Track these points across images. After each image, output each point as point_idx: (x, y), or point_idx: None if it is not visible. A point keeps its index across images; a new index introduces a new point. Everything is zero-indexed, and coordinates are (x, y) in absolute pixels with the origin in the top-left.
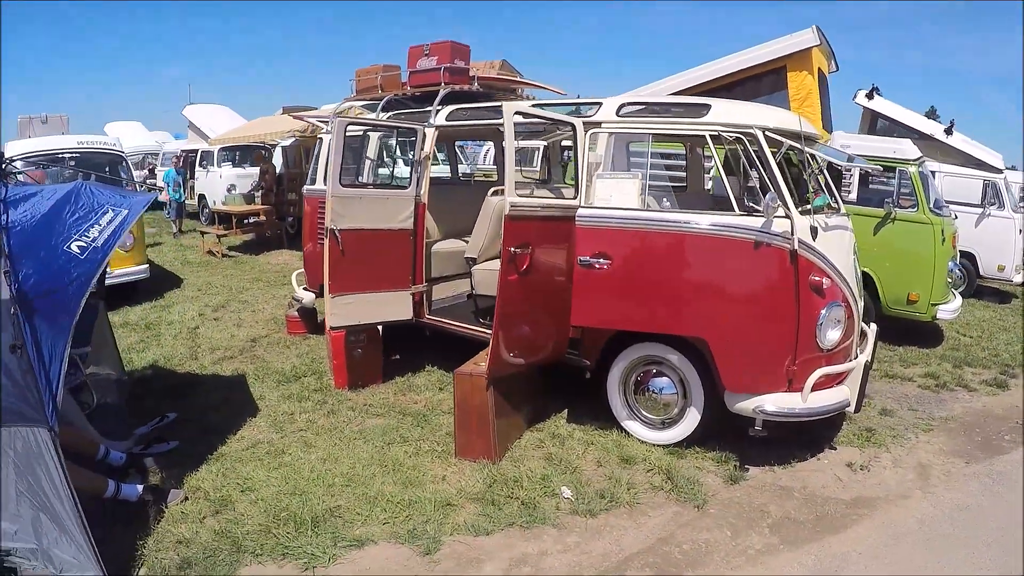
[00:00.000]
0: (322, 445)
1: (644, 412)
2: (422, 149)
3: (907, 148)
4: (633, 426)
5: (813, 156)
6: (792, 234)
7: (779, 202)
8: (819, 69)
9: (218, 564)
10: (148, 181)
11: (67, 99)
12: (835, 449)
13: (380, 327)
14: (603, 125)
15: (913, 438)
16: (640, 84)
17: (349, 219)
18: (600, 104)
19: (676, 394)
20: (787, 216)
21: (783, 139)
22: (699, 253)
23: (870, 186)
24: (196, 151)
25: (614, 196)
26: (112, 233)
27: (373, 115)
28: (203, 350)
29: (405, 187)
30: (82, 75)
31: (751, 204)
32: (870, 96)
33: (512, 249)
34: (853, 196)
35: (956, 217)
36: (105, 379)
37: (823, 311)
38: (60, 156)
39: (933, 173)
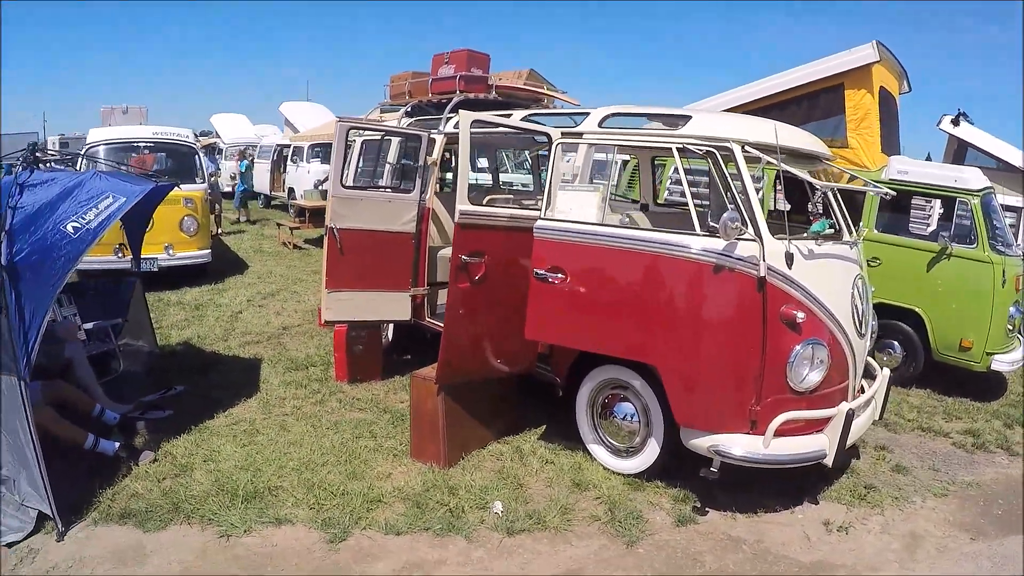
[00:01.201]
0: (296, 430)
1: (608, 437)
2: (429, 155)
3: (970, 177)
4: (597, 450)
5: (809, 181)
6: (760, 259)
7: (739, 223)
8: (882, 88)
9: (152, 519)
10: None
11: (201, 89)
12: (816, 504)
13: (389, 326)
14: (584, 136)
15: (919, 502)
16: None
17: (349, 219)
18: (589, 114)
19: (639, 422)
20: (756, 239)
21: (763, 154)
22: (653, 273)
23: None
24: (289, 146)
25: (574, 209)
26: (107, 217)
27: (387, 120)
28: (236, 333)
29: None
30: (218, 69)
31: (713, 224)
32: (956, 122)
33: (463, 257)
34: (931, 229)
35: None
36: (138, 350)
37: (797, 348)
38: (136, 144)
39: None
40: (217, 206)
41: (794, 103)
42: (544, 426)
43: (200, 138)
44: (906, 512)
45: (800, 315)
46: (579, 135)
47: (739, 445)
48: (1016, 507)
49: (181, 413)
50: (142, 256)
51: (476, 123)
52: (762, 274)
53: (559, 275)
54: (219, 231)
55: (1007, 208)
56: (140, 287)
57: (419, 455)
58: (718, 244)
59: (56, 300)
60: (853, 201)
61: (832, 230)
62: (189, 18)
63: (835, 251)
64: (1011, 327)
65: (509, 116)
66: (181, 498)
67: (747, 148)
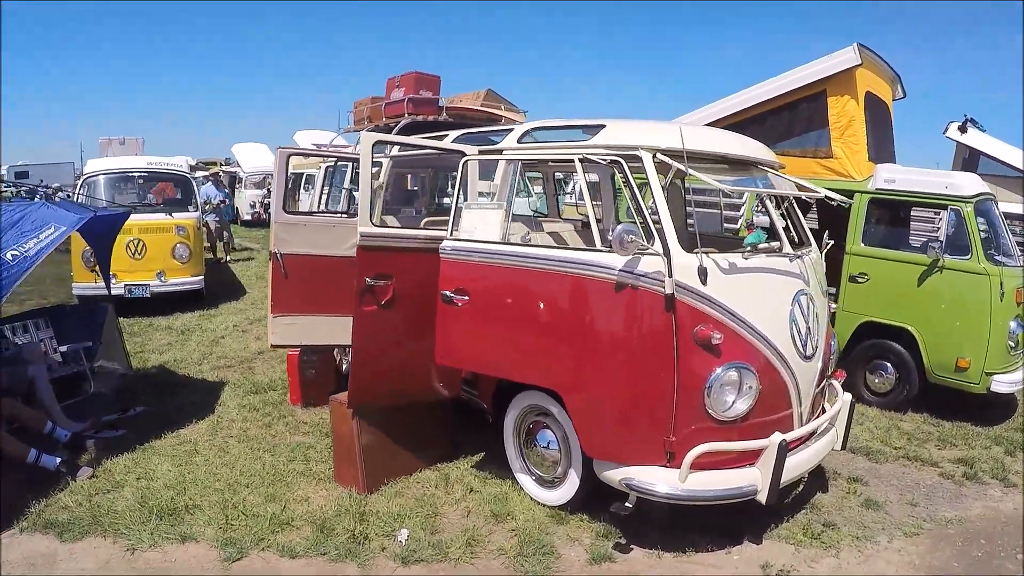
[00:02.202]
0: (234, 452)
1: (533, 467)
2: (374, 179)
3: (963, 183)
4: (524, 480)
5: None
6: (666, 275)
7: (635, 236)
8: (869, 93)
9: (71, 530)
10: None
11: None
12: (759, 543)
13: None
14: (504, 152)
15: (884, 542)
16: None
17: (292, 244)
18: (511, 130)
19: (559, 451)
20: (662, 253)
21: (674, 162)
22: (553, 293)
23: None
24: (302, 174)
25: (478, 228)
26: (46, 245)
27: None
28: (212, 357)
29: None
30: (261, 99)
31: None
32: (963, 129)
33: (368, 280)
34: (925, 241)
35: None
36: (112, 371)
37: (716, 372)
38: (130, 175)
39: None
40: (225, 233)
41: (775, 114)
42: (483, 454)
43: (224, 166)
44: (865, 554)
45: (717, 335)
46: (497, 152)
47: (653, 479)
48: (1000, 548)
49: (135, 432)
50: (134, 283)
51: (378, 144)
52: (668, 291)
53: (464, 297)
54: (227, 258)
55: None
56: (112, 312)
57: (340, 480)
58: (619, 260)
59: (34, 323)
60: (833, 211)
61: (772, 242)
62: (211, 46)
63: (769, 265)
64: (1013, 344)
65: (443, 137)
66: (103, 512)
67: (659, 156)
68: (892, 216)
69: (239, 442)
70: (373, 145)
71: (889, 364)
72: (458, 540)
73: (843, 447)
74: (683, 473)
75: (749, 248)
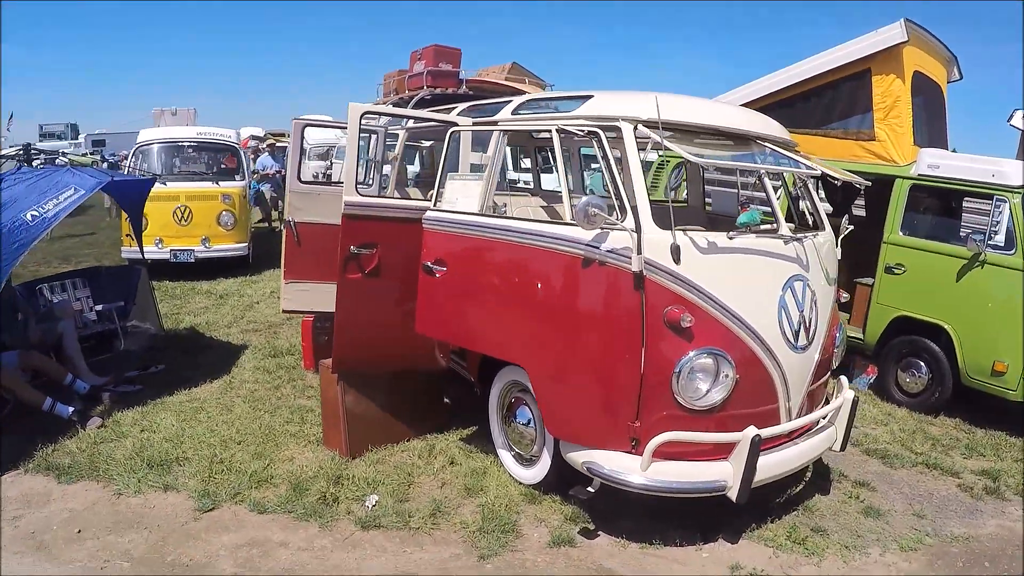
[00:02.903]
0: (237, 411)
1: (512, 443)
2: (389, 151)
3: (1011, 171)
4: (505, 456)
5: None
6: (635, 252)
7: (600, 209)
8: (918, 73)
9: (69, 473)
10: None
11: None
12: (735, 543)
13: None
14: (489, 124)
15: (875, 554)
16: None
17: (306, 213)
18: (510, 102)
19: (535, 429)
20: (632, 229)
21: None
22: (523, 266)
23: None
24: (334, 145)
25: (459, 199)
26: (66, 206)
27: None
28: (243, 321)
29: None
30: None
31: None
32: None
33: (352, 248)
34: (1001, 238)
35: None
36: (144, 331)
37: (687, 357)
38: (180, 143)
39: None
40: (280, 202)
41: (818, 94)
42: (475, 427)
43: (280, 138)
44: (850, 566)
45: (687, 318)
46: (491, 123)
47: (614, 465)
48: (1005, 572)
49: (152, 388)
50: (179, 248)
51: (368, 114)
52: (635, 268)
53: (442, 268)
54: (280, 227)
55: None
56: (145, 274)
57: (327, 443)
58: (586, 234)
59: (71, 283)
60: (880, 197)
61: (769, 222)
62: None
63: (758, 247)
64: None
65: (451, 110)
66: (102, 459)
67: (641, 127)
68: (935, 204)
69: (245, 402)
70: (361, 116)
71: (922, 363)
72: (424, 510)
73: (843, 448)
74: (644, 461)
75: (743, 228)
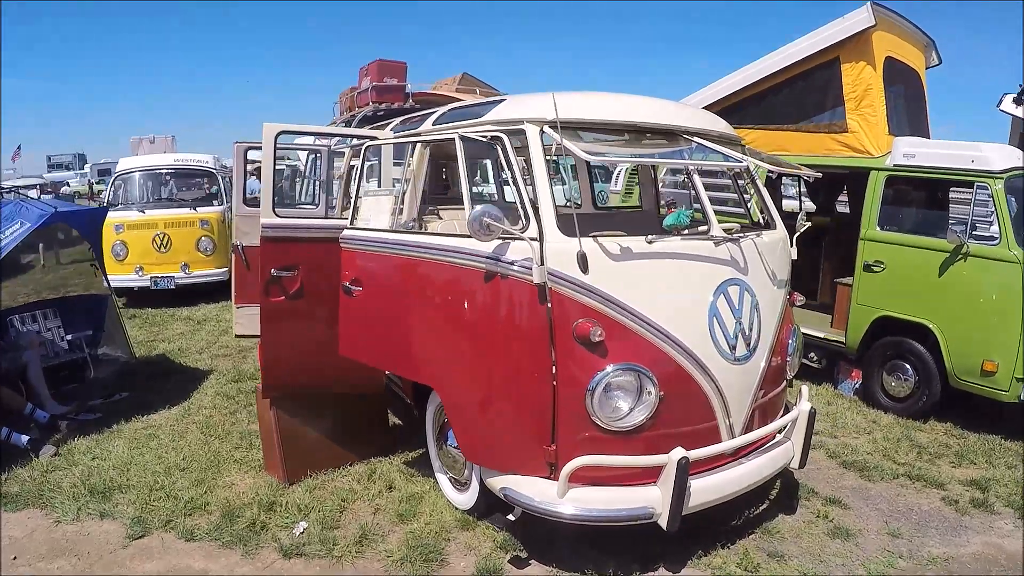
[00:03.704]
0: (189, 437)
1: (445, 467)
2: (331, 169)
3: (992, 155)
4: (442, 480)
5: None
6: (537, 262)
7: (495, 219)
8: (891, 59)
9: (16, 501)
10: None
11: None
12: (676, 572)
13: None
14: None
15: None
16: None
17: (252, 236)
18: (434, 113)
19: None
20: (533, 238)
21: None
22: (430, 283)
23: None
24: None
25: (372, 216)
26: (11, 240)
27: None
28: (215, 347)
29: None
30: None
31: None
32: (1020, 101)
33: (273, 271)
34: (984, 228)
35: None
36: (114, 358)
37: (600, 374)
38: (158, 171)
39: None
40: None
41: (788, 87)
42: (422, 451)
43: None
44: None
45: (598, 332)
46: (414, 135)
47: (531, 491)
48: None
49: (112, 416)
50: (159, 275)
51: (284, 133)
52: (538, 280)
53: (359, 288)
54: None
55: None
56: (113, 302)
57: (268, 468)
58: (487, 246)
59: (42, 313)
60: (856, 192)
61: (699, 223)
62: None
63: (682, 250)
64: None
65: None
66: (50, 487)
67: (547, 129)
68: (913, 196)
69: (199, 428)
70: (277, 136)
71: (908, 365)
72: (350, 538)
73: (801, 464)
74: (561, 487)
75: (671, 230)
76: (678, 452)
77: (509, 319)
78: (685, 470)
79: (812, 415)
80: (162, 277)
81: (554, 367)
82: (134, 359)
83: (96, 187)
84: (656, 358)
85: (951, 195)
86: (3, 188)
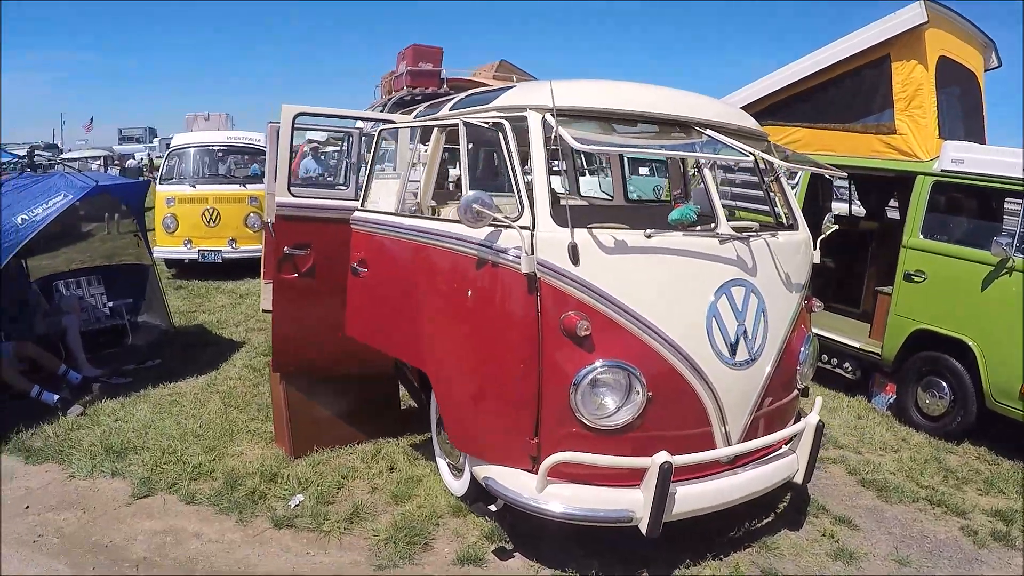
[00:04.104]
0: (210, 406)
1: (444, 452)
2: (359, 152)
3: None
4: (441, 464)
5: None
6: (527, 251)
7: (486, 206)
8: (945, 58)
9: (38, 455)
10: None
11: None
12: None
13: None
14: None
15: None
16: None
17: None
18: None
19: None
20: (524, 226)
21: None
22: (426, 267)
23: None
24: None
25: (381, 199)
26: (55, 210)
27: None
28: (252, 320)
29: None
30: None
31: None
32: None
33: (286, 249)
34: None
35: None
36: (154, 327)
37: (586, 369)
38: (211, 147)
39: None
40: None
41: (835, 86)
42: (429, 434)
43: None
44: None
45: (584, 326)
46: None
47: (512, 483)
48: None
49: (142, 381)
50: (207, 248)
51: (302, 115)
52: (526, 270)
53: (365, 269)
54: None
55: None
56: (154, 273)
57: (278, 441)
58: (479, 233)
59: (87, 280)
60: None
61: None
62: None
63: (686, 247)
64: None
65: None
66: (71, 444)
67: (549, 116)
68: (961, 204)
69: (221, 398)
70: (295, 117)
71: (944, 383)
72: (342, 514)
73: (805, 480)
74: (540, 482)
75: (677, 224)
76: (661, 456)
77: (498, 308)
78: (667, 475)
79: (820, 429)
80: (209, 251)
81: (540, 360)
82: (173, 328)
83: (157, 161)
84: (646, 357)
85: (1006, 206)
86: (56, 160)
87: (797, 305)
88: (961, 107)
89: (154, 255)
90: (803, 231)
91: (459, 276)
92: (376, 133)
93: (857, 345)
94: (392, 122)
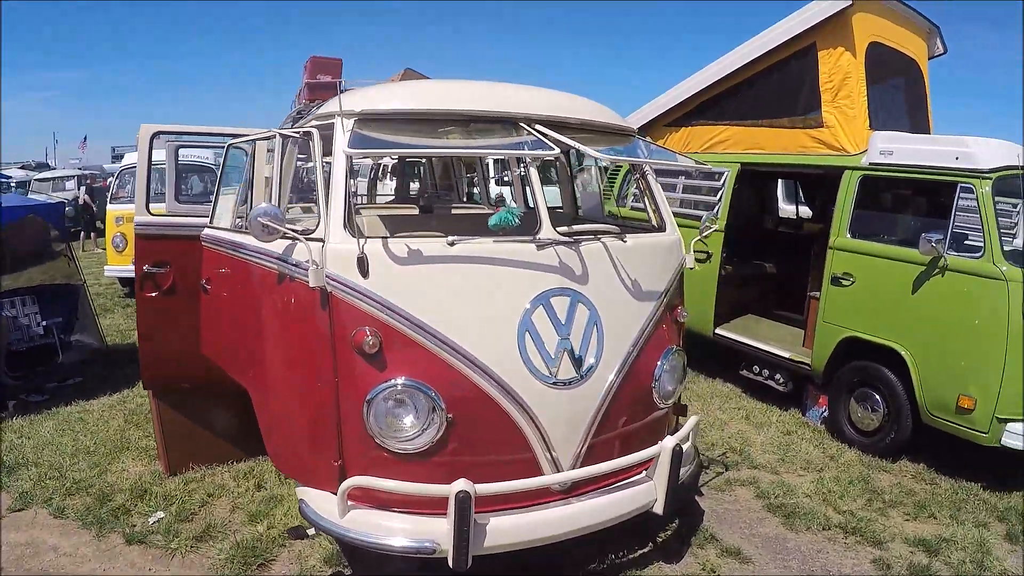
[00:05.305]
0: (113, 423)
1: None
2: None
3: (980, 152)
4: None
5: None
6: (315, 264)
7: (273, 218)
8: (878, 44)
9: None
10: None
11: None
12: None
13: None
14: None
15: None
16: None
17: None
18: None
19: None
20: (312, 237)
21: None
22: (243, 283)
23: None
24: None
25: (223, 215)
26: None
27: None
28: None
29: None
30: None
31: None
32: None
33: (145, 268)
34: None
35: None
36: (86, 345)
37: (379, 388)
38: (160, 167)
39: None
40: None
41: (764, 77)
42: None
43: None
44: None
45: (370, 342)
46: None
47: (317, 505)
48: None
49: (57, 398)
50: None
51: (160, 134)
52: (314, 284)
53: (208, 285)
54: None
55: None
56: (84, 291)
57: (159, 458)
58: (279, 247)
59: (20, 300)
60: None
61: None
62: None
63: (495, 254)
64: None
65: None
66: None
67: (358, 122)
68: (890, 199)
69: (125, 416)
70: (152, 136)
71: (877, 395)
72: (194, 532)
73: (665, 510)
74: (340, 506)
75: (496, 230)
76: (459, 484)
77: (294, 324)
78: (464, 504)
79: (676, 454)
80: None
81: (337, 378)
82: (105, 346)
83: None
84: (445, 375)
85: (942, 200)
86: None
87: (651, 315)
88: (906, 98)
89: (107, 273)
90: (671, 234)
91: (265, 292)
92: (225, 148)
93: (786, 355)
94: (237, 136)
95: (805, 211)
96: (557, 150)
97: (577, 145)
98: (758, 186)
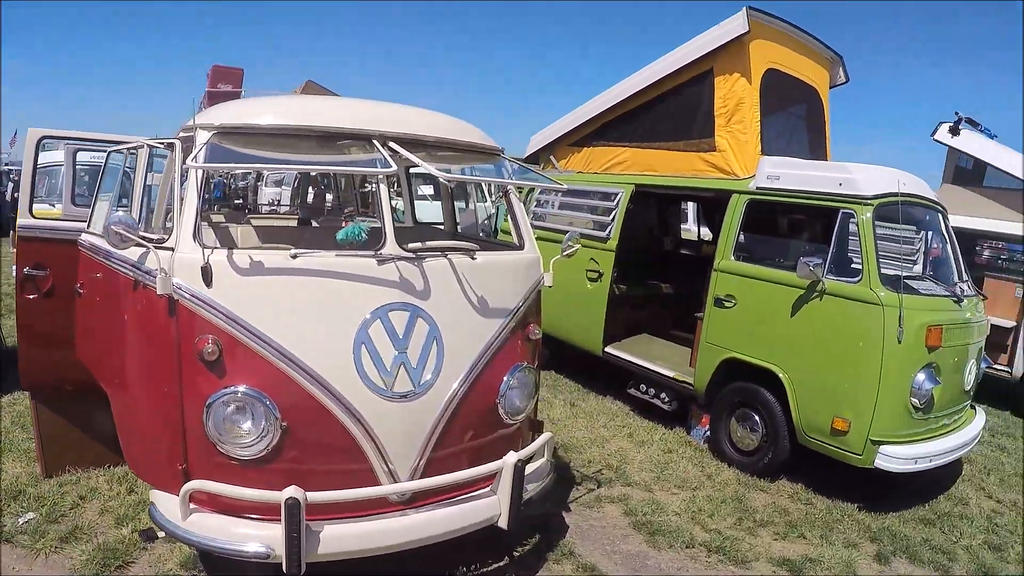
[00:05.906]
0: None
1: None
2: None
3: (863, 178)
4: None
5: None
6: (162, 273)
7: (122, 227)
8: (775, 71)
9: None
10: None
11: None
12: None
13: None
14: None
15: None
16: None
17: None
18: None
19: None
20: (160, 246)
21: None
22: (105, 288)
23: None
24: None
25: (99, 220)
26: None
27: None
28: None
29: None
30: None
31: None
32: (955, 131)
33: (25, 270)
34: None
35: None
36: None
37: (217, 394)
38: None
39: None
40: None
41: (661, 101)
42: None
43: None
44: None
45: (210, 350)
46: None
47: (164, 509)
48: None
49: None
50: None
51: (47, 139)
52: (161, 291)
53: (82, 290)
54: None
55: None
56: None
57: (37, 460)
58: (134, 254)
59: None
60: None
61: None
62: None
63: (335, 268)
64: (919, 404)
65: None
66: None
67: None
68: (775, 223)
69: (13, 417)
70: (39, 141)
71: (756, 416)
72: (60, 533)
73: (510, 525)
74: (181, 509)
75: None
76: (288, 491)
77: (144, 329)
78: (293, 511)
79: (519, 470)
80: None
81: (181, 384)
82: (4, 347)
83: None
84: (281, 384)
85: (822, 224)
86: None
87: (498, 331)
88: (807, 125)
89: (14, 273)
90: (528, 252)
91: (121, 297)
92: (106, 155)
93: (671, 375)
94: (118, 143)
95: (708, 233)
96: (395, 167)
97: (418, 161)
98: (660, 208)
